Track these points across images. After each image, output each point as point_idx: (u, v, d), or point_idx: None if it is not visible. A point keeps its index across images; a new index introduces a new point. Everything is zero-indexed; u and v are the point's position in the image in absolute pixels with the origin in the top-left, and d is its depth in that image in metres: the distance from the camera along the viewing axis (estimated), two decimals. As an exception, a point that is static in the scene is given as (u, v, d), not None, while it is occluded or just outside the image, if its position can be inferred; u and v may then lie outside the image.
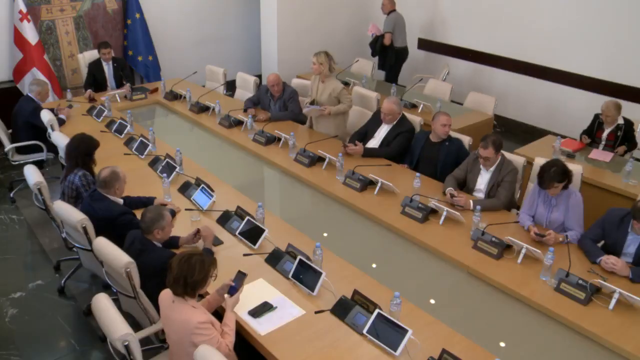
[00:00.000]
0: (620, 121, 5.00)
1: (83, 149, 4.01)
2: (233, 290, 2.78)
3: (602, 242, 3.47)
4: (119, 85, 6.50)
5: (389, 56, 7.54)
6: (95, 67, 6.50)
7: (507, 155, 4.18)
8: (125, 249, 3.08)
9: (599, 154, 4.87)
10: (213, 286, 2.77)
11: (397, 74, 7.67)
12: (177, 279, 2.51)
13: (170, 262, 2.56)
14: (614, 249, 3.36)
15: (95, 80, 6.47)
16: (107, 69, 6.52)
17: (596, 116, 5.14)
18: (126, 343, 2.43)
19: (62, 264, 4.44)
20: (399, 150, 4.71)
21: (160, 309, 2.67)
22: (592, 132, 5.15)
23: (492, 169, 4.01)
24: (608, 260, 3.17)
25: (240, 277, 2.82)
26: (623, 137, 5.00)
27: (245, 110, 5.69)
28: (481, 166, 4.04)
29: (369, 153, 4.73)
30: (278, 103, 5.71)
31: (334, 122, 5.29)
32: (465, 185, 4.20)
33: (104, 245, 3.03)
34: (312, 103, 5.33)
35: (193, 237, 3.35)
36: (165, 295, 2.64)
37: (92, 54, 6.86)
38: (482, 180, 4.06)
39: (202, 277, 2.54)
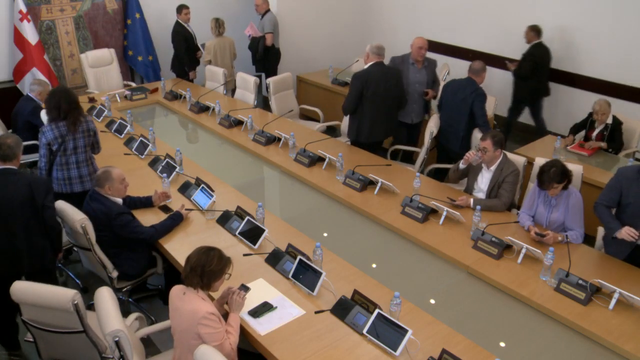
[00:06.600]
0: (609, 120, 5.02)
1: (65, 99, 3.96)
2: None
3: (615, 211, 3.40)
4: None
5: (271, 58, 7.42)
6: (183, 31, 6.94)
7: (509, 155, 4.17)
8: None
9: (581, 148, 4.99)
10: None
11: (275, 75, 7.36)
12: (194, 268, 2.57)
13: (189, 256, 2.63)
14: (639, 207, 3.26)
15: (187, 44, 6.95)
16: (191, 30, 7.01)
17: (590, 115, 5.15)
18: (117, 339, 2.43)
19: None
20: None
21: (170, 302, 2.69)
22: (585, 128, 5.18)
23: (493, 168, 4.00)
24: (629, 232, 3.18)
25: (243, 289, 2.85)
26: (609, 137, 5.01)
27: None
28: (482, 165, 4.04)
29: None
30: (422, 72, 5.26)
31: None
32: (467, 185, 4.20)
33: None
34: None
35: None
36: (177, 289, 2.68)
37: (94, 54, 6.86)
38: (483, 180, 4.06)
39: (219, 269, 2.61)
